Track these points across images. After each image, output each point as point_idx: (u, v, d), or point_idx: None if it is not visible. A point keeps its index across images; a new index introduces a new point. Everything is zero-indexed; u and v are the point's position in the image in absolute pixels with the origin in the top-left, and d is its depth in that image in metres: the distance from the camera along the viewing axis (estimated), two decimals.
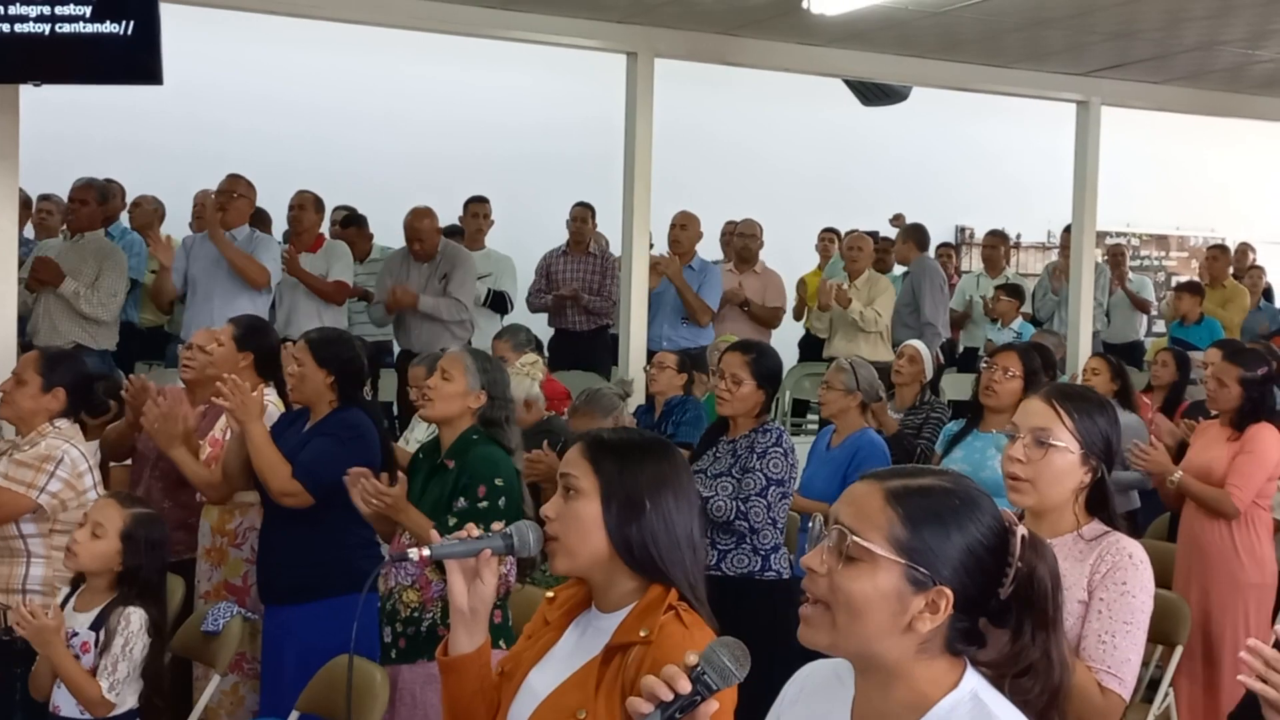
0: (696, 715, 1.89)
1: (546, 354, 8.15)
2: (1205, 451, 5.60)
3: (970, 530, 1.90)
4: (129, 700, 4.04)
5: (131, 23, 6.11)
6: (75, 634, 4.03)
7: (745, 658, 1.92)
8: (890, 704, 1.91)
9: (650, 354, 7.90)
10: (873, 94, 9.96)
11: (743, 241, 9.58)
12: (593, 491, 2.46)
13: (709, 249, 10.61)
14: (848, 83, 9.85)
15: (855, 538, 1.87)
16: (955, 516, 1.90)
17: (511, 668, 2.56)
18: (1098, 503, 3.03)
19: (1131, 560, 2.92)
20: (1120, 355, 8.82)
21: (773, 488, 4.71)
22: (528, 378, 6.06)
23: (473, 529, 2.54)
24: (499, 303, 9.16)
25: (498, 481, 4.23)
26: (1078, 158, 9.57)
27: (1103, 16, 7.82)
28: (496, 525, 2.60)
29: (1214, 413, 5.74)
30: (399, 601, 4.36)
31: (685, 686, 1.87)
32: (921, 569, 1.86)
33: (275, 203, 8.78)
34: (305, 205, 8.27)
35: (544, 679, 2.48)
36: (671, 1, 7.51)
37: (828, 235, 11.35)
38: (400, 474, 4.33)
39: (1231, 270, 11.77)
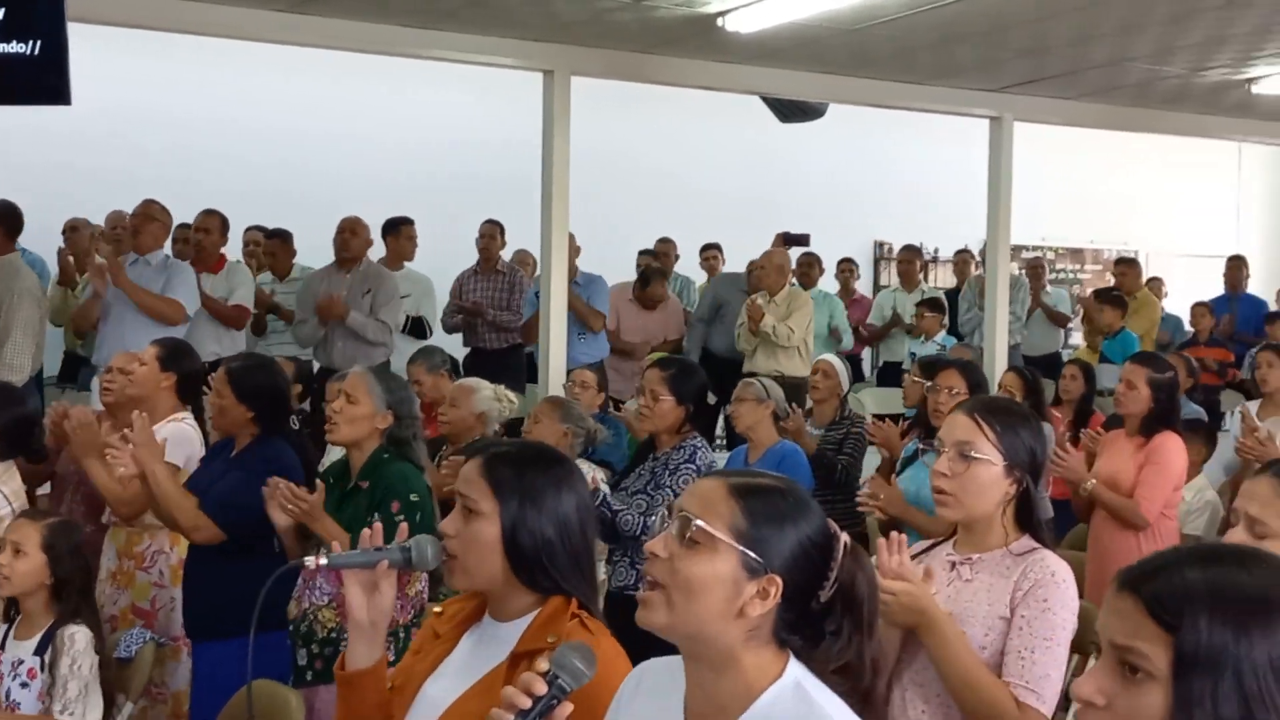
0: (553, 718, 1.98)
1: (462, 373, 8.11)
2: (1113, 461, 5.64)
3: (802, 527, 2.03)
4: (93, 716, 3.98)
5: (39, 42, 6.02)
6: (21, 662, 3.96)
7: (594, 659, 2.04)
8: (720, 692, 2.00)
9: (568, 371, 7.91)
10: (790, 111, 10.03)
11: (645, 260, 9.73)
12: (492, 514, 2.47)
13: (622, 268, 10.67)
14: (765, 99, 9.91)
15: (699, 523, 1.99)
16: (790, 513, 2.03)
17: (402, 681, 2.56)
18: (1025, 516, 3.05)
19: (1054, 578, 2.94)
20: (1039, 368, 8.93)
21: None
22: (497, 402, 6.01)
23: (374, 533, 2.54)
24: (418, 328, 9.13)
25: (413, 498, 4.21)
26: (991, 173, 9.69)
27: (1014, 33, 7.92)
28: (399, 537, 2.56)
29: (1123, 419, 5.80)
30: (315, 622, 4.30)
31: (541, 689, 1.98)
32: (756, 556, 1.98)
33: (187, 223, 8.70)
34: (211, 229, 8.19)
35: (442, 690, 2.49)
36: (587, 20, 7.52)
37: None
38: (320, 483, 4.29)
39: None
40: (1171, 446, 5.51)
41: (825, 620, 2.03)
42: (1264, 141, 11.73)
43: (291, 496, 4.13)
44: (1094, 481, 5.48)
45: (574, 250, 9.16)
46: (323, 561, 2.46)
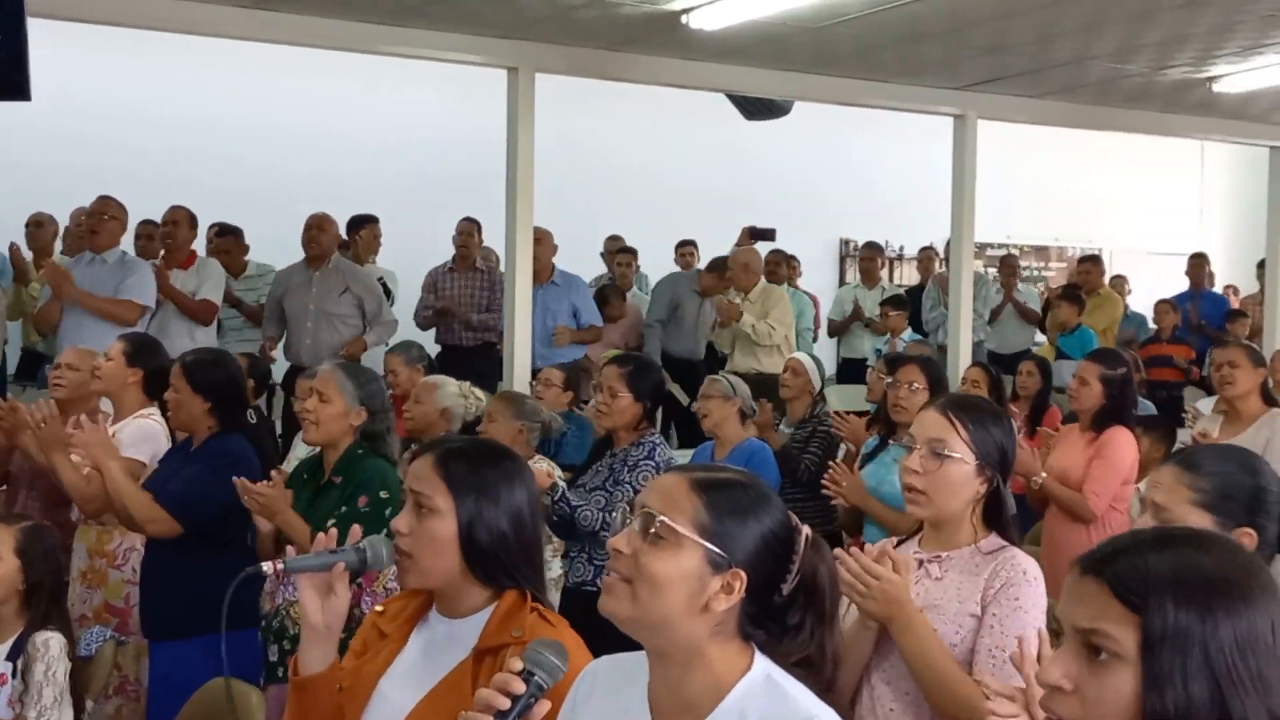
0: (531, 717, 1.97)
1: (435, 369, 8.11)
2: (1065, 456, 5.69)
3: (764, 520, 2.03)
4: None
5: None
6: None
7: (566, 654, 2.04)
8: (688, 688, 1.99)
9: (535, 370, 7.90)
10: (755, 108, 10.04)
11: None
12: (448, 511, 2.47)
13: (594, 265, 10.68)
14: (730, 97, 9.93)
15: (663, 518, 1.98)
16: (752, 507, 2.03)
17: (351, 683, 2.55)
18: (994, 514, 3.07)
19: (1026, 576, 2.95)
20: (1010, 366, 9.00)
21: None
22: (463, 399, 5.99)
23: (330, 537, 2.54)
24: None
25: (383, 494, 4.20)
26: (955, 170, 9.71)
27: (977, 32, 7.94)
28: (353, 538, 2.56)
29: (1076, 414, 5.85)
30: (286, 618, 4.30)
31: (519, 688, 1.96)
32: (720, 551, 1.98)
33: (158, 220, 8.65)
34: (179, 221, 8.16)
35: (400, 689, 2.48)
36: (552, 17, 7.52)
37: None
38: (279, 476, 4.28)
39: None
40: (1121, 441, 5.57)
41: (787, 613, 2.04)
42: (1226, 140, 11.79)
43: (250, 490, 4.13)
44: (1044, 475, 5.52)
45: (550, 249, 9.12)
46: (280, 566, 2.46)
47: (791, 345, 9.22)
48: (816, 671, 2.04)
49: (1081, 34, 8.00)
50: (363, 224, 9.39)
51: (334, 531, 2.59)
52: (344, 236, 9.35)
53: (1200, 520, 2.68)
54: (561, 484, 4.69)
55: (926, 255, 12.67)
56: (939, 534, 3.08)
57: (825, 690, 2.02)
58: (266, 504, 4.15)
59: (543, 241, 8.93)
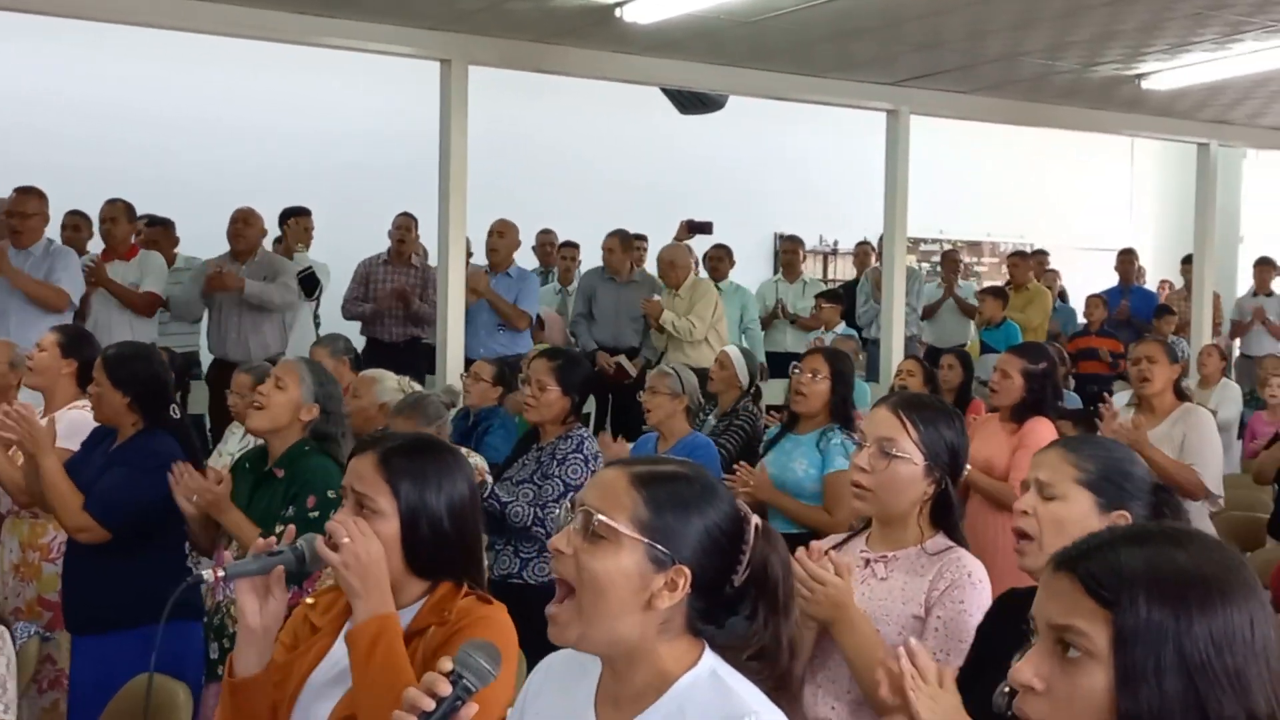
0: (459, 718, 1.93)
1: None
2: (987, 446, 5.73)
3: (709, 514, 1.98)
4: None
5: None
6: None
7: (499, 657, 1.98)
8: (634, 684, 1.97)
9: (469, 362, 7.85)
10: (689, 102, 10.05)
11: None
12: (391, 512, 2.46)
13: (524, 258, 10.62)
14: (665, 91, 9.93)
15: (601, 517, 1.94)
16: (696, 501, 1.98)
17: (282, 678, 2.52)
18: (941, 514, 3.07)
19: (970, 579, 2.95)
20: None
21: (571, 494, 4.68)
22: (401, 393, 5.91)
23: (266, 543, 2.51)
24: (309, 282, 9.01)
25: (330, 494, 4.11)
26: (888, 165, 9.76)
27: (910, 28, 7.99)
28: (288, 538, 2.53)
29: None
30: (226, 616, 4.25)
31: (445, 689, 1.92)
32: (662, 548, 1.93)
33: (87, 211, 8.56)
34: (117, 217, 8.09)
35: (331, 682, 2.47)
36: (485, 9, 7.48)
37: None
38: (226, 473, 4.23)
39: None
40: (1042, 431, 5.62)
41: (739, 605, 2.00)
42: (1154, 136, 11.96)
43: (196, 487, 4.09)
44: (969, 467, 5.55)
45: (514, 242, 9.08)
46: (221, 573, 2.43)
47: (723, 338, 9.23)
48: (772, 663, 2.01)
49: (1013, 31, 8.07)
50: (293, 215, 9.30)
51: (271, 540, 2.56)
52: (277, 229, 9.28)
53: (1081, 498, 2.72)
54: (490, 480, 4.67)
55: (862, 250, 12.72)
56: (886, 533, 3.08)
57: (781, 680, 2.00)
58: (214, 501, 4.10)
59: (505, 234, 9.01)
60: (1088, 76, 9.26)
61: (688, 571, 1.93)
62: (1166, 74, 9.11)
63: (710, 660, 1.98)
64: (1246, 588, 1.59)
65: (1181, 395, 6.11)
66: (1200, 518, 5.68)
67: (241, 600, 2.48)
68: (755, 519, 2.03)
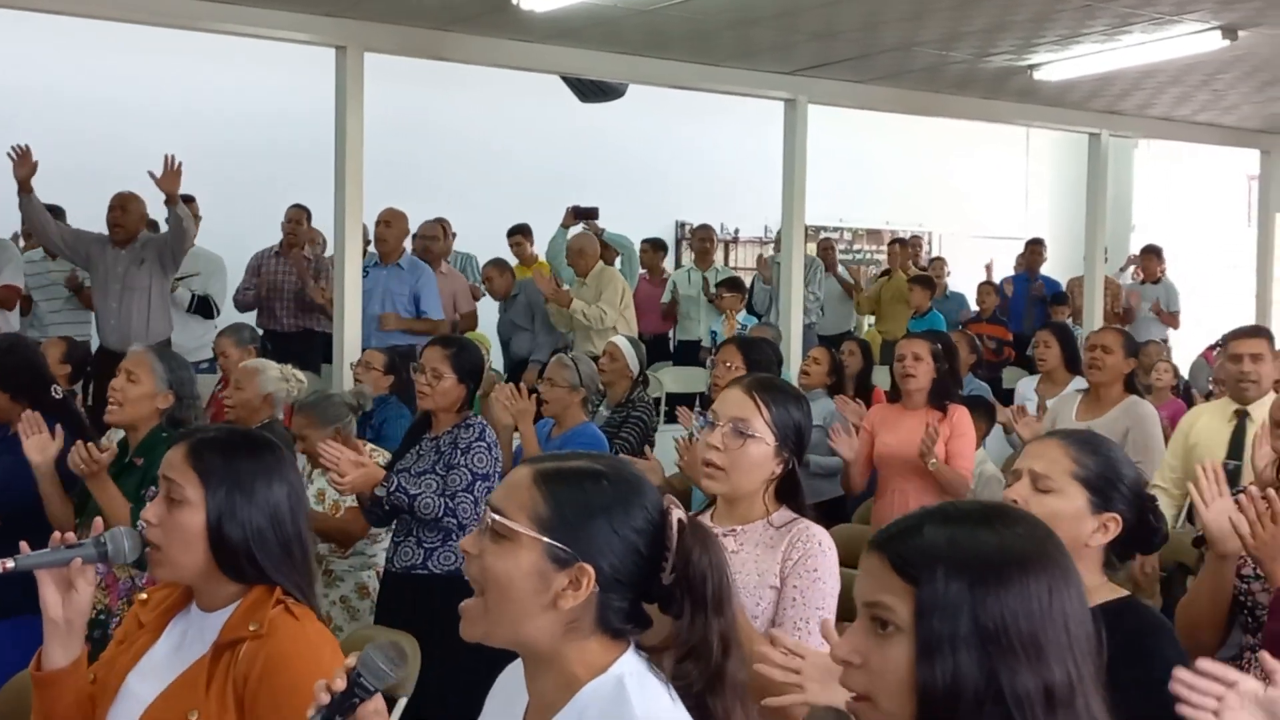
0: (357, 716, 1.92)
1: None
2: (899, 432, 5.81)
3: (617, 511, 1.93)
4: None
5: None
6: None
7: (402, 658, 1.96)
8: (547, 689, 1.95)
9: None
10: (589, 91, 10.03)
11: (423, 244, 9.57)
12: (198, 502, 2.42)
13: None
14: (565, 79, 9.91)
15: (497, 516, 1.92)
16: (602, 497, 1.94)
17: (105, 674, 2.50)
18: (788, 492, 3.14)
19: (821, 547, 3.04)
20: (835, 346, 9.14)
21: (479, 482, 4.68)
22: (284, 383, 5.82)
23: (70, 536, 2.48)
24: (204, 307, 8.92)
25: None
26: (786, 154, 9.82)
27: (807, 17, 8.04)
28: (95, 530, 2.51)
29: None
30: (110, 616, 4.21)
31: (340, 686, 1.91)
32: (562, 546, 1.90)
33: None
34: None
35: (145, 683, 2.44)
36: None
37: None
38: (113, 446, 4.26)
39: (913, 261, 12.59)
40: (968, 418, 5.78)
41: (668, 604, 1.95)
42: (1047, 126, 12.13)
43: (84, 456, 4.10)
44: (936, 460, 5.58)
45: (402, 231, 8.82)
46: (10, 565, 2.37)
47: (630, 325, 9.25)
48: (703, 663, 1.94)
49: (907, 21, 8.15)
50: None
51: (70, 535, 2.52)
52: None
53: (1077, 494, 2.74)
54: (396, 477, 4.63)
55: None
56: (732, 509, 3.15)
57: (714, 681, 1.94)
58: (96, 472, 4.12)
59: (393, 223, 8.73)
60: (981, 67, 9.38)
61: (591, 570, 1.89)
62: (1058, 65, 9.26)
63: (625, 665, 1.93)
64: (1048, 559, 1.67)
65: (1132, 389, 6.16)
66: None
67: (43, 592, 2.44)
68: (679, 514, 1.97)
